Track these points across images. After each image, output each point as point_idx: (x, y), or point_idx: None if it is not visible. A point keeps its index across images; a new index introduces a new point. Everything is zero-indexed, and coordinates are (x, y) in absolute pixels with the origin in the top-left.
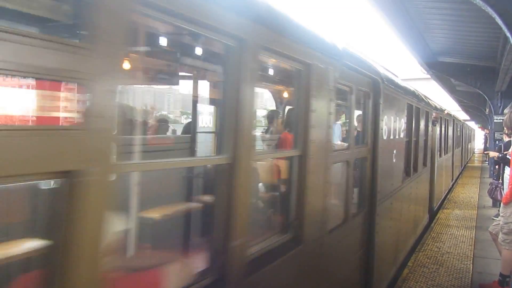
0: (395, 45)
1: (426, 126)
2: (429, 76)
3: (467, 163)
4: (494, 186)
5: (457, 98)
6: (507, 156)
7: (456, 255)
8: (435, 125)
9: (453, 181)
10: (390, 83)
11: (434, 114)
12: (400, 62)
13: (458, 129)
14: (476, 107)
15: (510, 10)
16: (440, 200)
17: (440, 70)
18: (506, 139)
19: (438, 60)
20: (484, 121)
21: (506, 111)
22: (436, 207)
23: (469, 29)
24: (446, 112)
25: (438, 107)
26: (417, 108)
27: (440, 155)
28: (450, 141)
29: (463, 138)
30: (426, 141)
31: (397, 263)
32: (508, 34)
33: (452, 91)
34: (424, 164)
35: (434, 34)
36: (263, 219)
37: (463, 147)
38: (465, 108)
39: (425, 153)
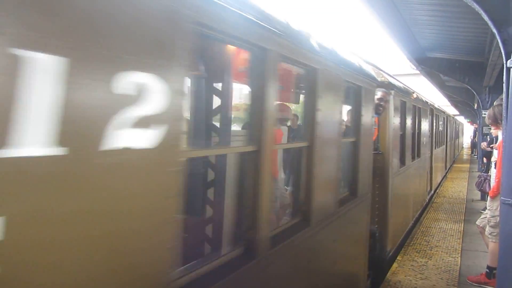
0: (385, 41)
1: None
2: (418, 72)
3: (453, 162)
4: (482, 178)
5: (446, 94)
6: (494, 149)
7: (444, 249)
8: (379, 114)
9: (428, 201)
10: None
11: (378, 94)
12: (390, 58)
13: (441, 123)
14: (465, 102)
15: (496, 6)
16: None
17: (429, 66)
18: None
19: (427, 56)
20: (473, 116)
21: (495, 103)
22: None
23: (457, 25)
24: (416, 96)
25: (398, 85)
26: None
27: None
28: (425, 139)
29: (448, 135)
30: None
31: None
32: (494, 30)
33: (442, 86)
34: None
35: (423, 30)
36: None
37: (449, 144)
38: (455, 103)
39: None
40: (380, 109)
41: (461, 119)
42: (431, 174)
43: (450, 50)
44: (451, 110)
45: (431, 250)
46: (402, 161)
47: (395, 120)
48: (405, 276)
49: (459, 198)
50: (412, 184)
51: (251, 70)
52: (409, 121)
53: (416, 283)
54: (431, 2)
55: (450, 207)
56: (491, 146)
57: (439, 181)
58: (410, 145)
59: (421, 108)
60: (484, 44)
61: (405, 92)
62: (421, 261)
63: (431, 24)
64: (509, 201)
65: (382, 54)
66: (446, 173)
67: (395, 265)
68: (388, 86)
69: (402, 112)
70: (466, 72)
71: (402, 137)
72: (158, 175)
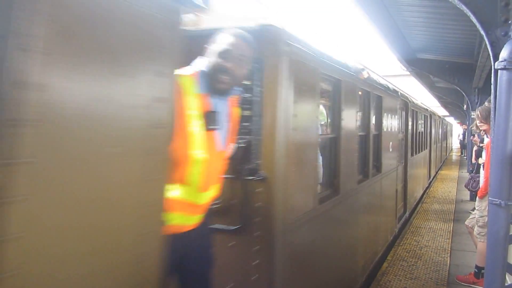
0: (377, 43)
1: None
2: (408, 73)
3: (440, 169)
4: (473, 180)
5: (436, 95)
6: (483, 148)
7: (434, 249)
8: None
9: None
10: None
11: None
12: (381, 59)
13: (422, 123)
14: (454, 103)
15: (484, 8)
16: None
17: (419, 67)
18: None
19: (417, 57)
20: (462, 117)
21: (486, 104)
22: None
23: (447, 27)
24: (371, 77)
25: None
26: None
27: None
28: (393, 144)
29: (432, 137)
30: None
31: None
32: (482, 32)
33: (432, 87)
34: None
35: (413, 31)
36: None
37: (434, 148)
38: (444, 104)
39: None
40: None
41: (450, 120)
42: (404, 191)
43: (440, 51)
44: (441, 111)
45: (420, 250)
46: (332, 189)
47: (300, 110)
48: (394, 275)
49: (448, 199)
50: (357, 221)
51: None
52: (350, 117)
53: (405, 283)
54: (421, 3)
55: (440, 207)
56: (481, 145)
57: (419, 195)
58: (355, 156)
59: (382, 98)
60: (473, 46)
61: (334, 63)
62: (410, 261)
63: (421, 26)
64: (497, 201)
65: (374, 55)
66: (430, 182)
67: (385, 264)
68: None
69: (332, 98)
70: (456, 74)
71: (334, 143)
72: None
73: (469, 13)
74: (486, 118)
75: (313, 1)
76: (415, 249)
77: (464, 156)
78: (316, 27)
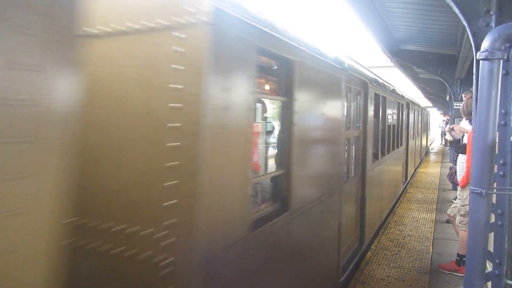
0: (361, 34)
1: None
2: (392, 64)
3: (421, 161)
4: (454, 170)
5: (419, 86)
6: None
7: (417, 237)
8: None
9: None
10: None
11: None
12: (366, 50)
13: (393, 112)
14: (437, 94)
15: None
16: None
17: (402, 58)
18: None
19: (401, 48)
20: (445, 108)
21: (463, 95)
22: None
23: (430, 17)
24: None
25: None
26: None
27: None
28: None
29: (409, 131)
30: None
31: None
32: (464, 23)
33: (415, 78)
34: None
35: (397, 22)
36: None
37: (410, 145)
38: (427, 95)
39: None
40: None
41: (434, 111)
42: (361, 216)
43: (423, 42)
44: (424, 102)
45: (404, 239)
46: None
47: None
48: (378, 264)
49: (431, 188)
50: None
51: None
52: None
53: (389, 272)
54: None
55: (423, 197)
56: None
57: (385, 214)
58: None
59: (293, 62)
60: (456, 37)
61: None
62: (394, 250)
63: (405, 17)
64: (478, 190)
65: (358, 46)
66: (406, 187)
67: (369, 253)
68: None
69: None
70: (439, 65)
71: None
72: None
73: (452, 4)
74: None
75: None
76: (398, 238)
77: (447, 146)
78: (298, 17)
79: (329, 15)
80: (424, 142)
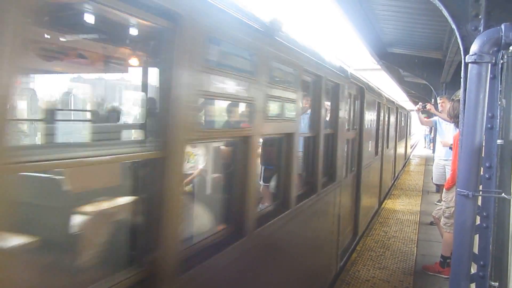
0: (348, 37)
1: None
2: (379, 67)
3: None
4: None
5: (405, 89)
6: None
7: (401, 239)
8: None
9: None
10: None
11: None
12: (354, 53)
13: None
14: (422, 98)
15: (455, 2)
16: None
17: (389, 61)
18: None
19: (388, 51)
20: (429, 112)
21: (438, 99)
22: None
23: (417, 21)
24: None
25: None
26: None
27: None
28: None
29: (382, 137)
30: None
31: None
32: (453, 26)
33: (401, 81)
34: None
35: (384, 25)
36: None
37: (386, 156)
38: (412, 99)
39: None
40: None
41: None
42: None
43: (410, 46)
44: (409, 105)
45: (388, 240)
46: None
47: None
48: (363, 265)
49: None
50: None
51: None
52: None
53: (374, 273)
54: None
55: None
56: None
57: None
58: None
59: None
60: (442, 41)
61: None
62: (379, 251)
63: (392, 20)
64: (465, 192)
65: (345, 49)
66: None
67: (354, 255)
68: None
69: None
70: (425, 68)
71: None
72: None
73: (441, 7)
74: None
75: None
76: (383, 239)
77: (431, 149)
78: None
79: (315, 15)
80: (402, 150)
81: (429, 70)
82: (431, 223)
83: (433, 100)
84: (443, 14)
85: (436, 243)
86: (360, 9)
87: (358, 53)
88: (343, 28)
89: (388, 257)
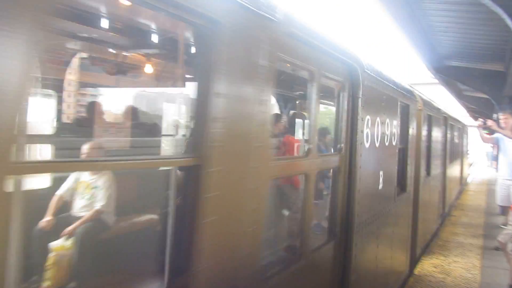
0: (405, 51)
1: None
2: (436, 81)
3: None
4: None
5: (464, 104)
6: None
7: (463, 264)
8: None
9: None
10: None
11: None
12: (409, 67)
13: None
14: (483, 113)
15: None
16: None
17: (447, 74)
18: None
19: (445, 64)
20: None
21: (500, 115)
22: None
23: (476, 32)
24: None
25: None
26: None
27: None
28: None
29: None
30: None
31: None
32: None
33: (459, 96)
34: None
35: (441, 37)
36: None
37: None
38: (473, 114)
39: None
40: None
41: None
42: None
43: (468, 58)
44: (469, 120)
45: (449, 265)
46: None
47: None
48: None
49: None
50: None
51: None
52: None
53: None
54: (449, 8)
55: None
56: None
57: None
58: None
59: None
60: (504, 52)
61: None
62: (439, 277)
63: (449, 31)
64: None
65: (402, 64)
66: None
67: (411, 279)
68: None
69: None
70: (485, 81)
71: None
72: None
73: (505, 16)
74: None
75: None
76: (443, 264)
77: (494, 168)
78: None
79: (371, 31)
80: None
81: (490, 83)
82: (496, 249)
83: (495, 115)
84: (505, 23)
85: (502, 270)
86: (416, 22)
87: (414, 67)
88: (398, 43)
89: (449, 283)
